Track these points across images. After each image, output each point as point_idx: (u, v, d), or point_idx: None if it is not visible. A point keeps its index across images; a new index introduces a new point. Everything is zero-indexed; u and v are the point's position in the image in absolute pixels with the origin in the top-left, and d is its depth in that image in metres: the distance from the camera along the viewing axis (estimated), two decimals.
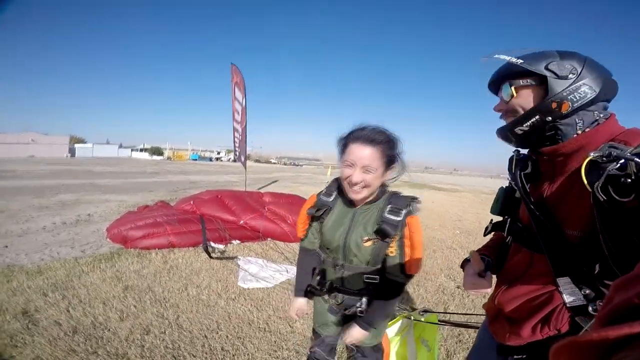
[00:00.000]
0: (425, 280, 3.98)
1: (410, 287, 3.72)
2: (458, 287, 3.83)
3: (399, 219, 1.27)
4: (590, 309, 0.83)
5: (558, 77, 0.86)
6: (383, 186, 1.37)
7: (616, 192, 0.72)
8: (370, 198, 1.35)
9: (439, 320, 2.03)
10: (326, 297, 1.48)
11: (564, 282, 0.86)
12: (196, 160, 57.09)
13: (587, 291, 0.83)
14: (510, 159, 1.08)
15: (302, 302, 1.52)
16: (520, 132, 0.94)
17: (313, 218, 1.46)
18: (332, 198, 1.42)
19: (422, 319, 1.99)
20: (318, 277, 1.48)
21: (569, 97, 0.86)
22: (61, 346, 2.28)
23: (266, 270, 3.89)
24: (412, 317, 2.01)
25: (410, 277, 1.35)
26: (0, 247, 4.46)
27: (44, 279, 3.36)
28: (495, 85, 1.01)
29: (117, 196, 9.48)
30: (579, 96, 0.85)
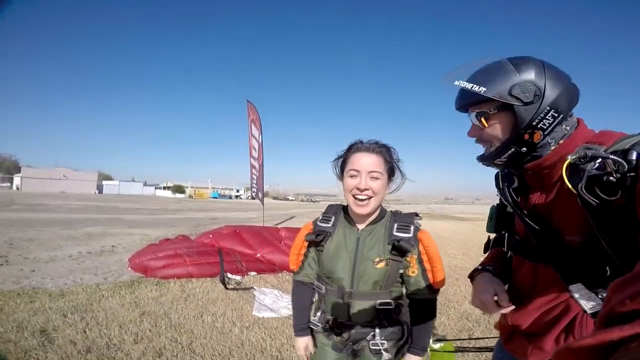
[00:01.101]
0: (448, 307, 3.84)
1: None
2: (483, 313, 3.64)
3: (409, 235, 1.23)
4: None
5: (524, 103, 0.85)
6: (382, 207, 1.33)
7: (603, 192, 0.72)
8: (373, 218, 1.30)
9: (456, 348, 1.94)
10: (330, 333, 1.37)
11: (578, 289, 0.83)
12: (216, 198, 58.21)
13: (604, 294, 0.78)
14: (496, 176, 1.08)
15: (307, 339, 1.41)
16: (500, 163, 0.96)
17: (309, 247, 1.39)
18: (330, 224, 1.34)
19: (437, 348, 1.91)
20: (319, 314, 1.38)
21: (539, 126, 0.86)
22: None
23: (281, 301, 3.84)
24: (429, 347, 1.93)
25: (437, 292, 1.28)
26: (28, 271, 4.64)
27: (66, 302, 3.46)
28: (463, 109, 1.00)
29: (141, 230, 9.76)
30: (548, 122, 0.86)
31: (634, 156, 0.70)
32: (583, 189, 0.74)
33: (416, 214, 1.33)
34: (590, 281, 0.81)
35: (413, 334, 1.30)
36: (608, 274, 0.79)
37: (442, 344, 1.91)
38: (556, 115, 0.85)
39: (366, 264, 1.24)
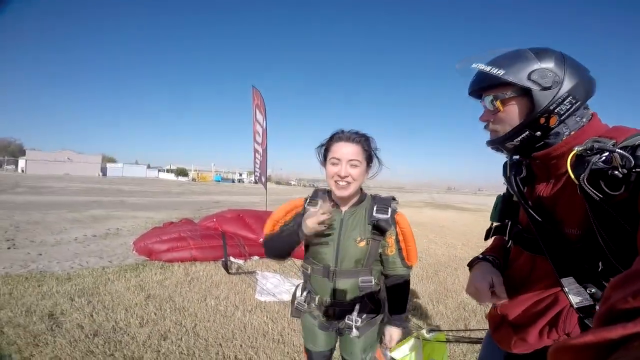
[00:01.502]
0: (446, 297, 3.89)
1: (429, 304, 3.65)
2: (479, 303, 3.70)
3: (387, 216, 1.35)
4: (597, 308, 0.79)
5: (542, 88, 0.85)
6: (362, 190, 1.44)
7: (607, 186, 0.72)
8: (354, 201, 1.40)
9: (448, 338, 1.97)
10: (316, 313, 1.47)
11: (569, 283, 0.84)
12: (219, 181, 58.50)
13: (593, 290, 0.81)
14: (505, 165, 1.08)
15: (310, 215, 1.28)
16: (511, 146, 0.95)
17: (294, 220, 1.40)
18: (317, 207, 1.37)
19: (429, 337, 1.94)
20: (305, 293, 1.47)
21: (555, 111, 0.86)
22: (80, 347, 2.38)
23: (283, 285, 3.91)
24: (420, 337, 1.96)
25: (410, 268, 1.44)
26: (35, 254, 4.73)
27: (73, 285, 3.53)
28: (477, 94, 0.99)
29: (145, 213, 9.86)
30: (565, 108, 0.86)
31: None
32: (584, 180, 0.74)
33: (393, 198, 1.44)
34: (582, 276, 0.82)
35: (391, 308, 1.45)
36: (600, 269, 0.80)
37: (435, 334, 1.94)
38: (574, 102, 0.85)
39: (349, 243, 1.36)
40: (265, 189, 9.98)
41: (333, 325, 1.46)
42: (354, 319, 1.36)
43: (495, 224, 1.17)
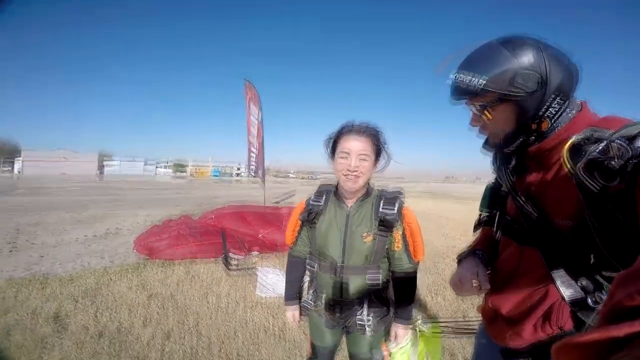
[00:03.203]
0: (445, 289, 3.93)
1: (428, 296, 3.71)
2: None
3: (394, 211, 1.34)
4: (589, 301, 0.79)
5: (528, 93, 0.82)
6: (369, 185, 1.44)
7: (601, 177, 0.70)
8: (361, 195, 1.40)
9: (443, 330, 2.02)
10: (322, 311, 1.47)
11: (559, 275, 0.83)
12: (217, 176, 58.33)
13: (584, 282, 0.80)
14: (494, 154, 1.06)
15: (294, 308, 1.58)
16: (508, 152, 0.95)
17: (303, 224, 1.50)
18: (321, 202, 1.44)
19: (425, 330, 1.99)
20: (311, 291, 1.49)
21: (545, 115, 0.84)
22: (87, 349, 2.44)
23: (282, 281, 3.97)
24: (417, 329, 2.01)
25: (417, 264, 1.42)
26: (37, 257, 4.79)
27: (76, 287, 3.59)
28: (460, 99, 0.94)
29: (144, 211, 9.88)
30: (554, 110, 0.84)
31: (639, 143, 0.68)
32: (580, 169, 0.73)
33: (400, 192, 1.43)
34: (573, 268, 0.82)
35: (398, 305, 1.43)
36: (591, 262, 0.78)
37: (431, 326, 1.99)
38: (562, 101, 0.83)
39: (355, 238, 1.36)
40: (264, 182, 9.99)
41: (340, 323, 1.47)
42: (365, 318, 1.37)
43: (483, 215, 1.18)
